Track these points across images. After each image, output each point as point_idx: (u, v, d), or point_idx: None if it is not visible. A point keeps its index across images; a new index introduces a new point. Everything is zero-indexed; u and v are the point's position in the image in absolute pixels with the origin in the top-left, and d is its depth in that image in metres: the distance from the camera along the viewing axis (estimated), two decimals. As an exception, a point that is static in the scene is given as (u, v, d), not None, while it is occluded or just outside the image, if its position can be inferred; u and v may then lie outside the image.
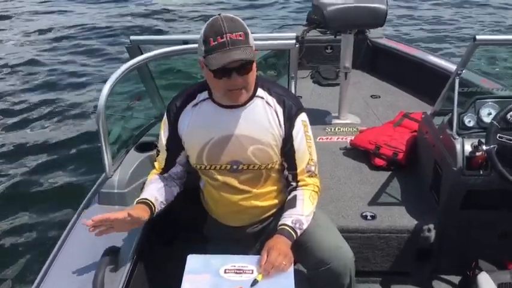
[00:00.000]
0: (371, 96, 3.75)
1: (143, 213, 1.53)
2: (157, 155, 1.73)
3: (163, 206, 1.65)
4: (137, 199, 1.61)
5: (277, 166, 1.65)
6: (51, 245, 1.69)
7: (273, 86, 1.63)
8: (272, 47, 2.30)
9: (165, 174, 1.71)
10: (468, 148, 1.93)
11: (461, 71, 2.06)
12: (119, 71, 1.87)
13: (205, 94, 1.60)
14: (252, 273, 1.43)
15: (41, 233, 3.25)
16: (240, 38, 1.39)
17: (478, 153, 1.90)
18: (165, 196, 1.66)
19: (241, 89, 1.47)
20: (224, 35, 1.38)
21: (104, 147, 1.86)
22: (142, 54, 2.05)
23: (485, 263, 1.97)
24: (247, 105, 1.56)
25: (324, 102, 3.60)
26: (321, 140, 2.97)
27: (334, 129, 3.15)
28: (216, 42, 1.38)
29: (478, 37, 1.93)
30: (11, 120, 5.17)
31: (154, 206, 1.60)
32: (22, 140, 4.73)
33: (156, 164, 1.74)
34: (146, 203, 1.59)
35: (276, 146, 1.60)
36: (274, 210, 1.76)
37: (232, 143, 1.58)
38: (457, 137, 1.97)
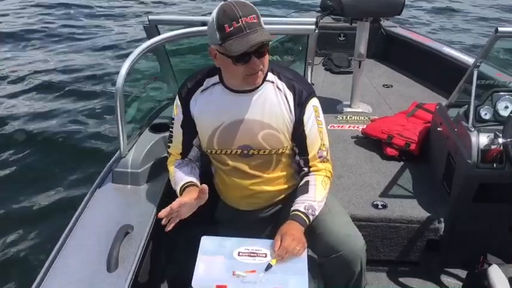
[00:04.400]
0: (383, 85, 3.73)
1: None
2: (170, 139, 1.72)
3: None
4: (181, 186, 1.58)
5: (287, 151, 1.65)
6: (65, 223, 1.70)
7: (283, 71, 1.62)
8: (291, 32, 2.27)
9: (186, 159, 1.70)
10: (483, 141, 1.92)
11: (481, 62, 2.04)
12: (136, 52, 1.85)
13: (215, 79, 1.59)
14: (266, 256, 1.43)
15: (54, 211, 3.25)
16: (254, 20, 1.39)
17: (493, 146, 1.89)
18: (196, 177, 1.65)
19: (259, 71, 1.47)
20: (239, 20, 1.37)
21: (120, 127, 1.85)
22: (159, 34, 2.04)
23: (494, 257, 1.97)
24: (257, 90, 1.55)
25: (335, 90, 3.59)
26: (332, 128, 2.97)
27: (346, 118, 3.15)
28: (232, 28, 1.37)
29: (500, 29, 1.90)
30: (25, 98, 5.17)
31: (198, 186, 1.58)
32: (37, 117, 4.74)
33: (171, 149, 1.72)
34: (193, 185, 1.58)
35: (286, 131, 1.60)
36: (285, 194, 1.75)
37: (242, 128, 1.58)
38: (473, 130, 1.96)
